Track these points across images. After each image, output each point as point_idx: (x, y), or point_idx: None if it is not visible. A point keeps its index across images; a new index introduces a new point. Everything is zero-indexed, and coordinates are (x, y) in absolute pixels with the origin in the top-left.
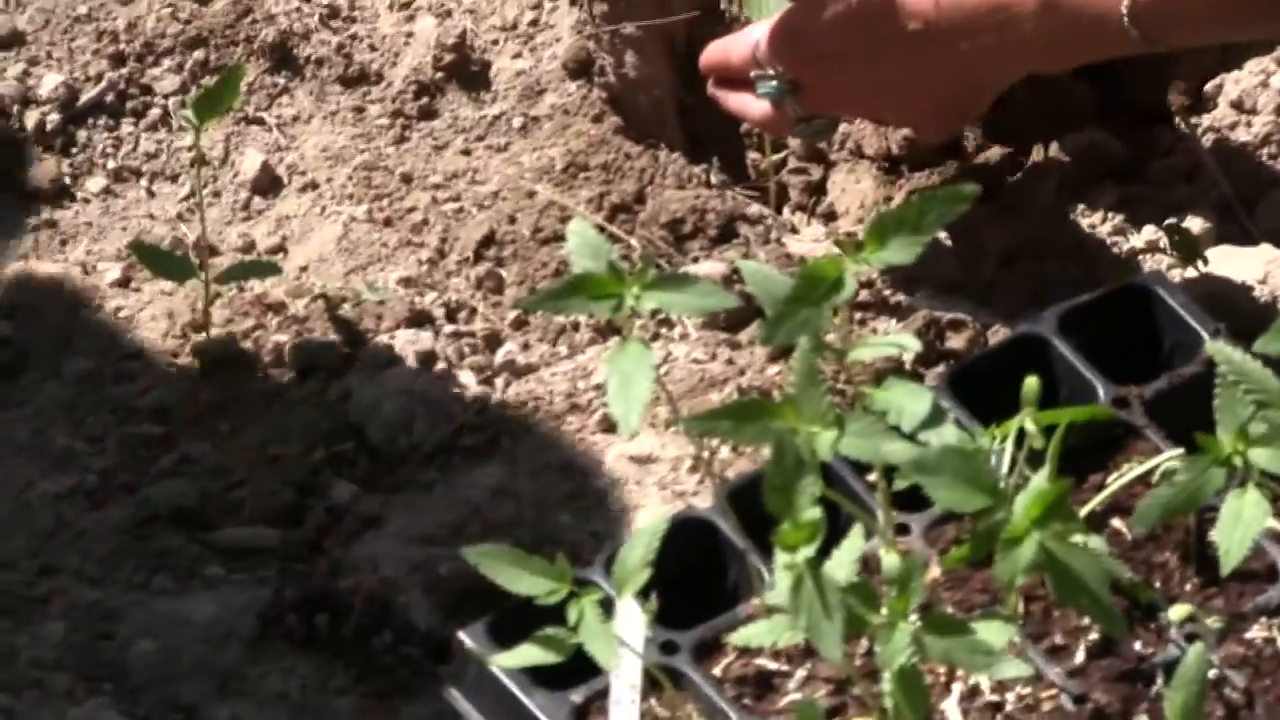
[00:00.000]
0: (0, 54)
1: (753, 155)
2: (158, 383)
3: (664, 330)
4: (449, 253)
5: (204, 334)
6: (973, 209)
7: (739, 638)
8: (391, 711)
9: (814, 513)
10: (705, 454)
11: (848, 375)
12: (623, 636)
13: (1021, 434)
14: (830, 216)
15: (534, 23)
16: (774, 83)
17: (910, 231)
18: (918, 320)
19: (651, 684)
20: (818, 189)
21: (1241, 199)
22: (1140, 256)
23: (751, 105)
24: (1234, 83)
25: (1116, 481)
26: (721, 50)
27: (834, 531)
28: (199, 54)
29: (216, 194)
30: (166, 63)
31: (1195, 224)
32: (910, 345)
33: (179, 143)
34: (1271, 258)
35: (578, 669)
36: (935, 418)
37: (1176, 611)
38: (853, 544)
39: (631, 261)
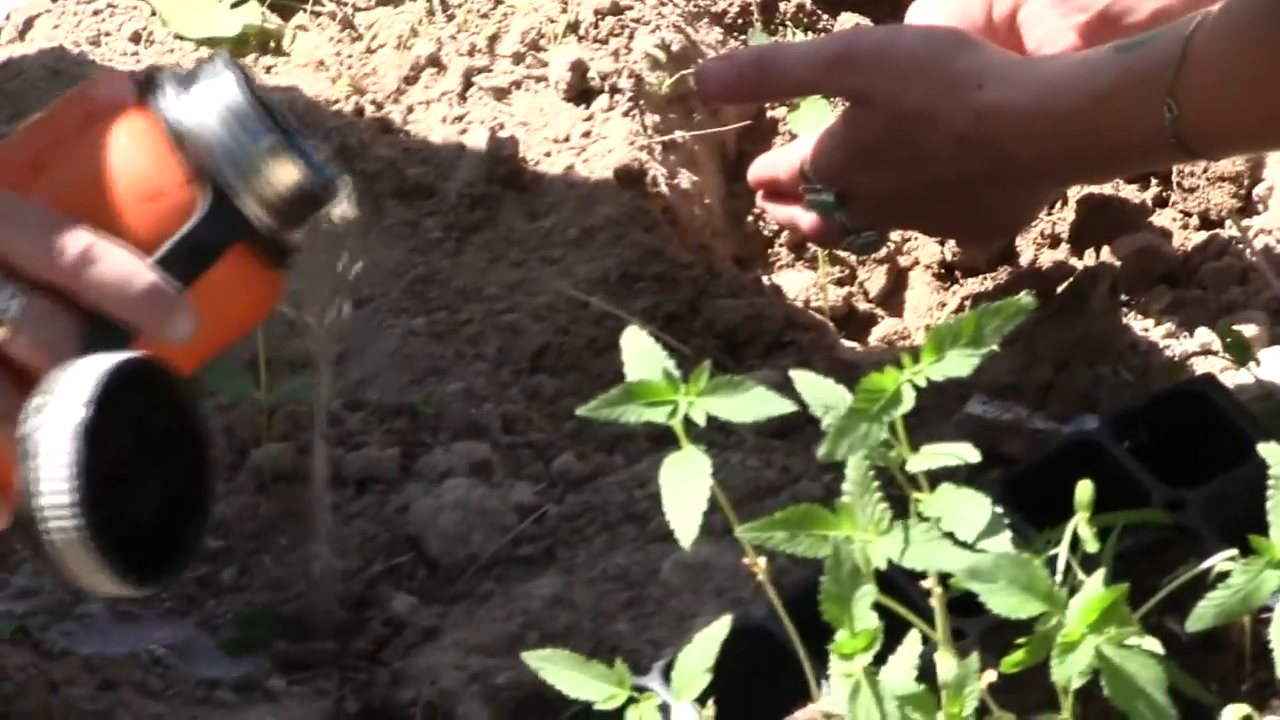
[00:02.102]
0: None
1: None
2: (218, 498)
3: (719, 437)
4: (504, 365)
5: (262, 448)
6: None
7: None
8: None
9: (871, 621)
10: (761, 561)
11: (900, 480)
12: None
13: (1076, 538)
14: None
15: (586, 134)
16: (822, 196)
17: (968, 344)
18: (972, 426)
19: None
20: (875, 296)
21: None
22: (1193, 359)
23: (801, 218)
24: None
25: (1171, 584)
26: (769, 165)
27: (890, 634)
28: None
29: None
30: None
31: (1247, 327)
32: (970, 456)
33: None
34: None
35: None
36: (993, 526)
37: (1233, 712)
38: (909, 650)
39: (687, 370)
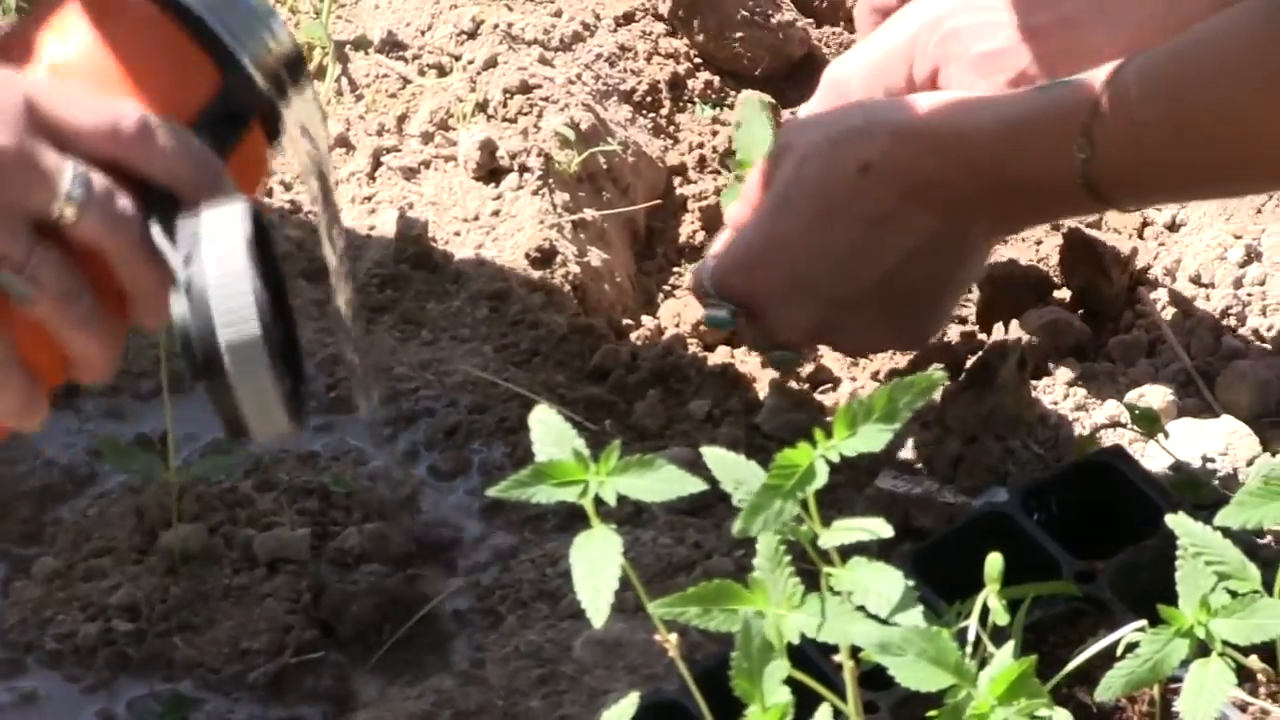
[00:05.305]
0: None
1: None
2: (127, 579)
3: (631, 514)
4: (417, 444)
5: (172, 529)
6: None
7: None
8: None
9: (782, 696)
10: (673, 637)
11: (812, 554)
12: None
13: (986, 610)
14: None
15: (496, 213)
16: (717, 312)
17: (881, 420)
18: (883, 501)
19: None
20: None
21: (1202, 372)
22: (1101, 431)
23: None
24: (1192, 257)
25: (1081, 655)
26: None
27: (802, 708)
28: None
29: (184, 390)
30: None
31: (1156, 398)
32: (883, 531)
33: (143, 339)
34: (1232, 430)
35: None
36: (905, 600)
37: None
38: None
39: (600, 448)
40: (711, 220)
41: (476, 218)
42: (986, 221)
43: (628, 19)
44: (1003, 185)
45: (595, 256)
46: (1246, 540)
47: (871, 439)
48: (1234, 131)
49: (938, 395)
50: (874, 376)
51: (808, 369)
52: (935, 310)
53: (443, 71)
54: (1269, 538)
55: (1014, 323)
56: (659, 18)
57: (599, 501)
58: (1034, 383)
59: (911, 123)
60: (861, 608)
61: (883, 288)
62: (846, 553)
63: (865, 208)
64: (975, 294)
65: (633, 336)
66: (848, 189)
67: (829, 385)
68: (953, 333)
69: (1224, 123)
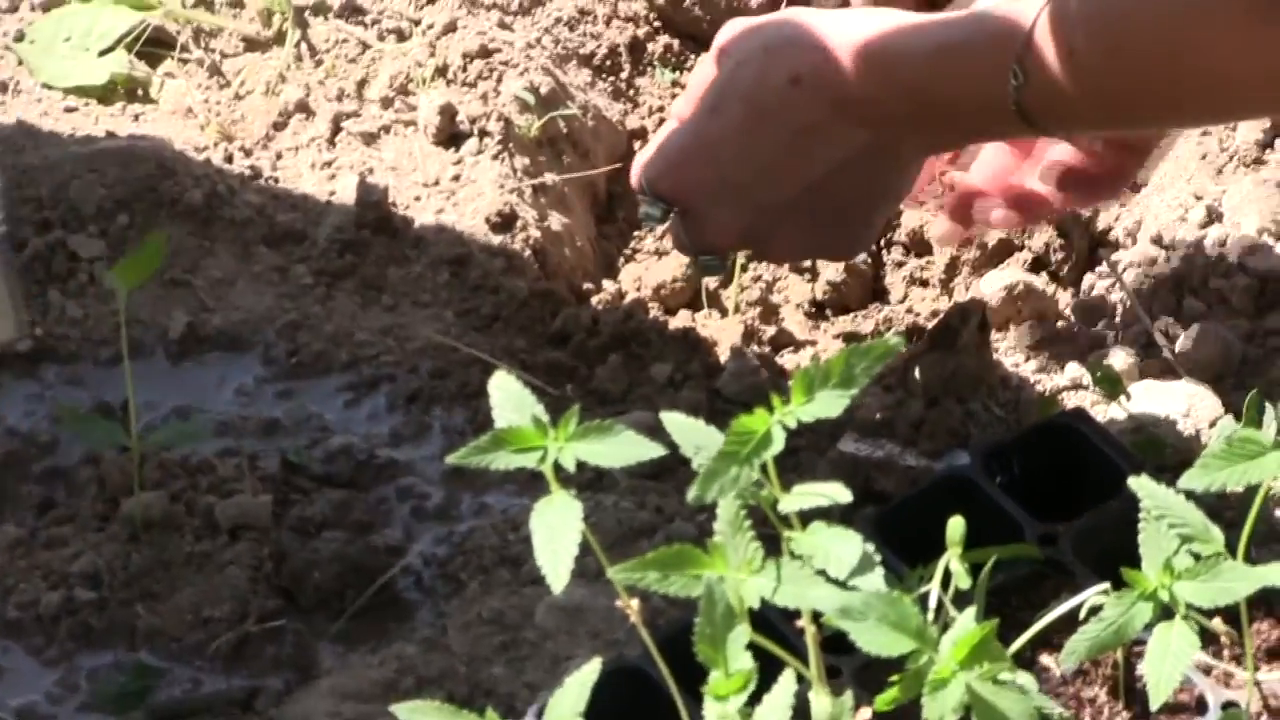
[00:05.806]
0: None
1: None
2: (89, 547)
3: (593, 479)
4: (378, 410)
5: (134, 497)
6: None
7: None
8: None
9: (745, 662)
10: (634, 602)
11: (773, 518)
12: None
13: (948, 574)
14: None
15: (456, 178)
16: (650, 208)
17: (838, 385)
18: (845, 464)
19: None
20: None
21: (1163, 334)
22: (1063, 394)
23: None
24: (1153, 218)
25: (1043, 618)
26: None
27: (765, 673)
28: (123, 218)
29: (144, 357)
30: (91, 228)
31: (1118, 360)
32: (841, 496)
33: (104, 307)
34: (1194, 392)
35: None
36: (864, 564)
37: None
38: (783, 689)
39: (560, 414)
40: None
41: (437, 182)
42: (916, 139)
43: None
44: (933, 107)
45: (556, 221)
46: (1209, 502)
47: (829, 405)
48: (1168, 64)
49: (898, 355)
50: (834, 339)
51: (770, 332)
52: (863, 223)
53: (402, 36)
54: (1231, 500)
55: (975, 284)
56: None
57: (559, 467)
58: (995, 345)
59: (843, 41)
60: (823, 572)
61: (810, 197)
62: (808, 517)
63: (794, 118)
64: (937, 257)
65: (593, 301)
66: (778, 98)
67: (790, 348)
68: (915, 295)
69: (1159, 55)
